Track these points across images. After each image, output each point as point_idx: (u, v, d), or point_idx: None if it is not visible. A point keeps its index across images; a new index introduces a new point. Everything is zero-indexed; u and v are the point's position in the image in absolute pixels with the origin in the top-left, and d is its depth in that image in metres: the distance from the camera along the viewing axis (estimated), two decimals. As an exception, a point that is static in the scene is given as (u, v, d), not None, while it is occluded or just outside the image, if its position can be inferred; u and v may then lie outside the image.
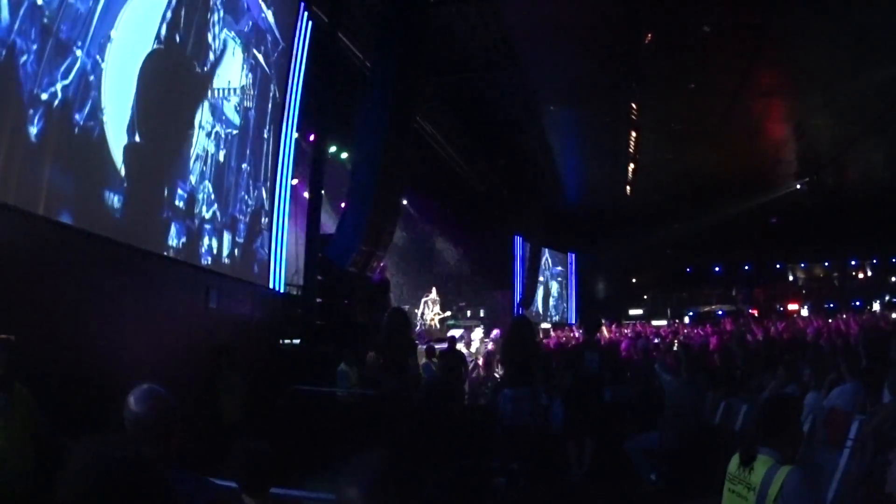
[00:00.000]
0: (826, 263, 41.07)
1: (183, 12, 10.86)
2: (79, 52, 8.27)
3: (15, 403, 5.39)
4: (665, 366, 11.21)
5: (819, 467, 6.77)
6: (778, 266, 41.38)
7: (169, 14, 10.48)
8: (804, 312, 33.80)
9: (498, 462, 9.39)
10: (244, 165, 13.66)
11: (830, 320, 22.99)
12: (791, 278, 41.96)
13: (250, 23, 13.47)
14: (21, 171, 7.53)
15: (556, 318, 38.63)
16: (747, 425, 9.15)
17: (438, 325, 25.76)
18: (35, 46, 7.43)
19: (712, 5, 17.09)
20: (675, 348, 16.43)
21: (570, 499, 10.06)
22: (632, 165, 27.59)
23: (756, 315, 32.53)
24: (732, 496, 4.43)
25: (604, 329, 26.62)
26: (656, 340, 20.05)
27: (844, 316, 24.33)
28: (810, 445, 7.21)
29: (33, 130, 7.66)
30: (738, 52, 19.23)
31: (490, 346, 21.21)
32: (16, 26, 7.08)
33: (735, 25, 17.85)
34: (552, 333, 30.15)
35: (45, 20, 7.56)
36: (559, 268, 40.33)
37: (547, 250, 37.47)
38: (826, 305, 33.34)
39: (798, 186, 32.67)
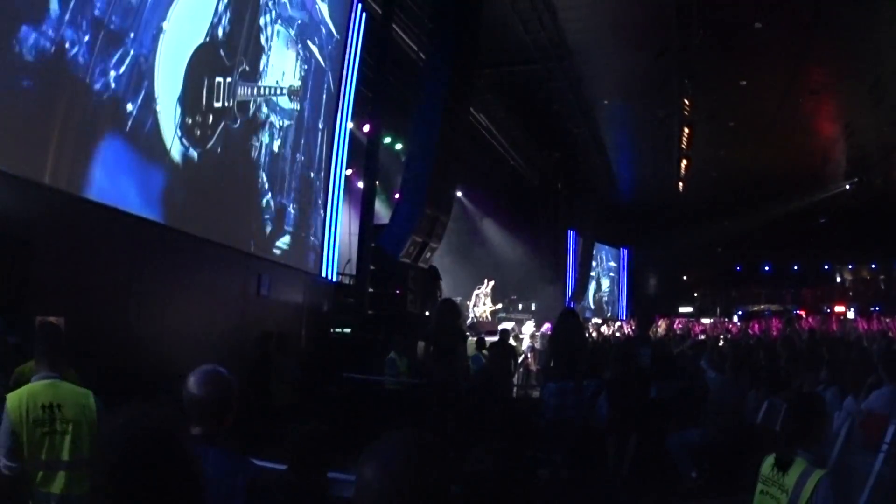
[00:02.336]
0: (873, 265, 40.45)
1: (236, 3, 11.02)
2: (130, 43, 8.43)
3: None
4: (711, 362, 11.16)
5: (854, 471, 6.72)
6: (826, 267, 40.87)
7: (221, 5, 10.64)
8: (850, 314, 33.31)
9: (541, 454, 9.43)
10: (299, 155, 13.82)
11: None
12: (838, 279, 41.41)
13: (304, 14, 13.61)
14: (74, 158, 7.71)
15: (608, 314, 38.43)
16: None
17: (490, 318, 25.79)
18: (86, 38, 7.60)
19: (764, 2, 16.94)
20: (720, 344, 16.33)
21: (610, 493, 10.06)
22: (684, 161, 27.41)
23: (803, 315, 32.19)
24: (765, 498, 4.39)
25: (661, 323, 26.47)
26: (702, 337, 19.88)
27: (889, 320, 23.88)
28: (847, 448, 7.15)
29: (85, 119, 7.84)
30: (789, 50, 19.05)
31: (540, 339, 21.21)
32: (66, 17, 7.26)
33: (786, 22, 17.67)
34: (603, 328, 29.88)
35: (97, 12, 7.73)
36: (611, 263, 40.15)
37: (600, 245, 37.32)
38: (872, 308, 32.79)
39: (847, 186, 32.23)
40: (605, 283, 39.62)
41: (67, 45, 7.32)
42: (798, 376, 10.19)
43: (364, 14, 15.78)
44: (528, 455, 7.45)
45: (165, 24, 9.12)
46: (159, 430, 1.97)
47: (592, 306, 37.30)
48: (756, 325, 25.82)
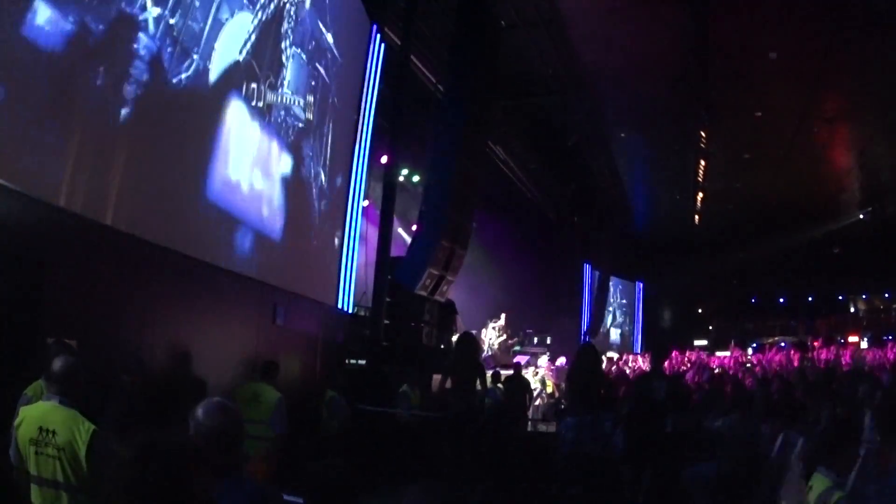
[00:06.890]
0: (886, 294, 40.29)
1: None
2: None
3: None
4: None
5: (867, 499, 6.64)
6: (840, 297, 40.78)
7: (252, 36, 10.90)
8: (864, 344, 33.11)
9: (557, 488, 9.35)
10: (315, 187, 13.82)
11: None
12: (852, 310, 41.25)
13: (313, 42, 13.59)
14: (90, 178, 7.65)
15: (621, 347, 38.29)
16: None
17: (506, 350, 25.69)
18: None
19: (778, 32, 17.00)
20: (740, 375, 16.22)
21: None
22: (700, 194, 27.44)
23: (816, 346, 32.04)
24: None
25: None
26: (717, 370, 19.76)
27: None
28: (862, 476, 7.08)
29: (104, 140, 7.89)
30: (803, 79, 19.08)
31: (556, 373, 21.12)
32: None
33: (800, 52, 17.74)
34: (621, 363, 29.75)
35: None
36: (623, 300, 40.05)
37: (614, 278, 37.24)
38: (885, 337, 32.59)
39: (861, 216, 32.19)
40: (621, 317, 39.49)
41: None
42: (814, 408, 10.12)
43: (383, 44, 15.83)
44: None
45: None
46: (168, 455, 1.98)
47: (609, 340, 37.11)
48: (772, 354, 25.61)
